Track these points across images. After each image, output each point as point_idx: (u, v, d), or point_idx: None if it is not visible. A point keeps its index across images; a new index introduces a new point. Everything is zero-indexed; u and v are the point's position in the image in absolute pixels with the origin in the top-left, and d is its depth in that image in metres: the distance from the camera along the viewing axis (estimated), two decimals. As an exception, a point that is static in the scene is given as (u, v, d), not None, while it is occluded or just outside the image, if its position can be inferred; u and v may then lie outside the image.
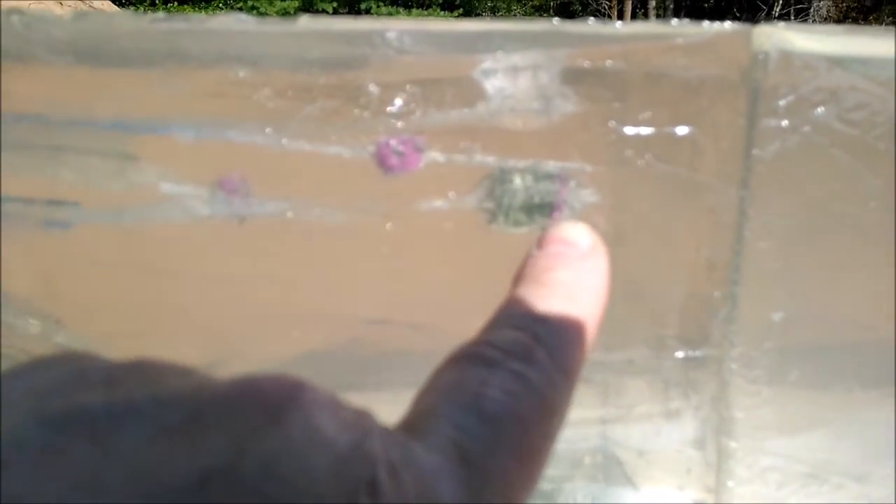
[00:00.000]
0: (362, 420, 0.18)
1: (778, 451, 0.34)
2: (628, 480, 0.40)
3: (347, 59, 0.28)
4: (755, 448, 0.34)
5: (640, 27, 0.29)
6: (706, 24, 0.28)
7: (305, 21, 0.27)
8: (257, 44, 0.27)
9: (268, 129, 0.29)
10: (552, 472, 0.41)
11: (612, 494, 0.41)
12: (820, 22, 9.75)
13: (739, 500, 0.35)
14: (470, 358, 0.21)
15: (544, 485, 0.41)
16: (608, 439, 0.40)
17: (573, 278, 0.24)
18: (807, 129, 0.29)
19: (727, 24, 0.28)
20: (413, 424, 0.19)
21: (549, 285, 0.23)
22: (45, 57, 0.27)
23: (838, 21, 10.25)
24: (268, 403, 0.16)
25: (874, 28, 0.30)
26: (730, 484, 0.35)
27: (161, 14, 0.26)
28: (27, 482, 0.14)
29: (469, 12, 10.27)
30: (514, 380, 0.20)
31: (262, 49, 0.27)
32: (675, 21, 0.28)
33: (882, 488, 0.35)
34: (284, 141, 0.29)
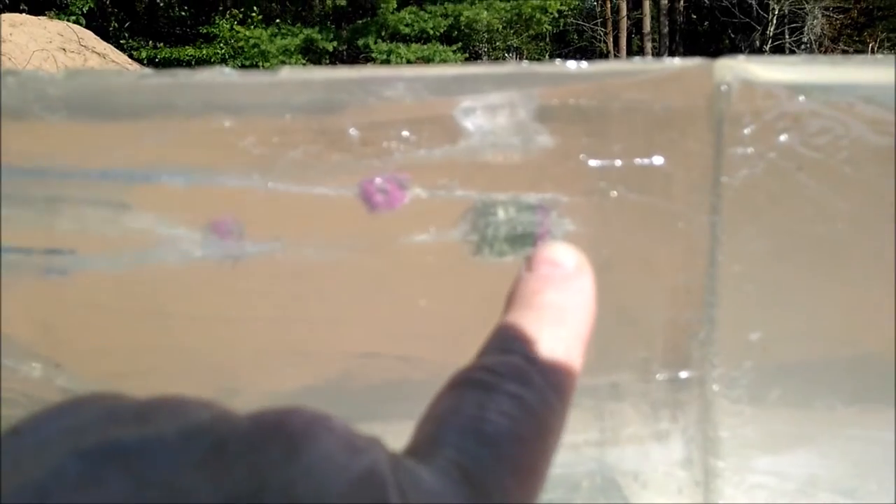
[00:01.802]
0: (373, 447, 0.19)
1: (765, 469, 0.35)
2: (626, 503, 0.41)
3: (328, 105, 0.30)
4: (742, 467, 0.35)
5: (607, 65, 0.30)
6: (668, 60, 0.29)
7: (287, 72, 0.28)
8: (241, 94, 0.29)
9: (254, 175, 0.30)
10: (550, 497, 0.42)
11: (612, 518, 0.41)
12: (814, 40, 9.83)
13: (730, 519, 0.35)
14: (467, 383, 0.22)
15: (542, 510, 0.41)
16: (603, 463, 0.40)
17: (561, 299, 0.25)
18: (772, 155, 0.31)
19: (689, 60, 0.30)
20: (417, 450, 0.20)
21: (538, 308, 0.24)
22: (41, 113, 0.28)
23: (833, 39, 10.33)
24: (287, 435, 0.17)
25: (831, 57, 0.31)
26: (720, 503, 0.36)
27: (149, 70, 0.27)
28: None
29: (467, 45, 10.39)
30: (510, 402, 0.21)
31: (246, 99, 0.29)
32: (637, 59, 0.29)
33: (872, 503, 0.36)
34: (271, 184, 0.30)
